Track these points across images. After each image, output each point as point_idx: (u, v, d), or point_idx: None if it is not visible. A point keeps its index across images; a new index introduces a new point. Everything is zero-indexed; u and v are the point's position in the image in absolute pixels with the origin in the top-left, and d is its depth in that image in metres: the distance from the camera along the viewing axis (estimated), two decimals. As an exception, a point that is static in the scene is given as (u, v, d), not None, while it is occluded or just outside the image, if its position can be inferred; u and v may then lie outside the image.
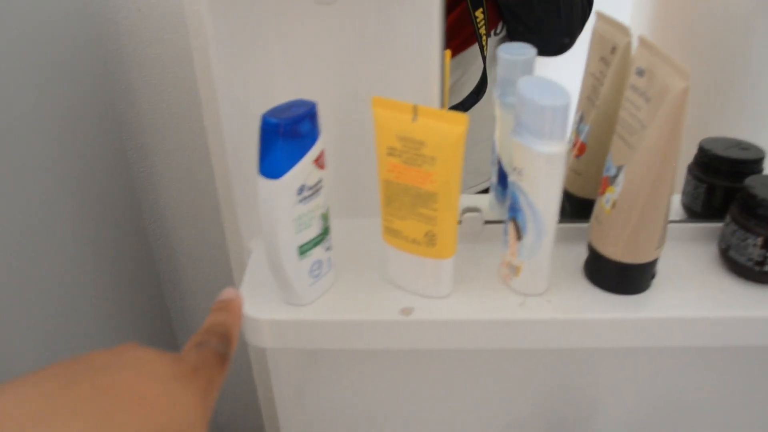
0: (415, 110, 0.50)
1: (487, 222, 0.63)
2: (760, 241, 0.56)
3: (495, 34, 0.75)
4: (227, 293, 0.52)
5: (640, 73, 0.52)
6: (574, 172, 0.64)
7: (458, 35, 0.72)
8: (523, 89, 0.50)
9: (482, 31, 0.71)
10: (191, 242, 0.93)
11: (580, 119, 0.64)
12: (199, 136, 0.82)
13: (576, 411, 0.78)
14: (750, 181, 0.58)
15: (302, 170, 0.52)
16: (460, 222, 0.63)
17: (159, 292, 0.98)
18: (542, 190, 0.51)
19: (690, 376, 0.74)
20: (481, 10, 0.69)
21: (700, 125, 0.76)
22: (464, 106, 0.74)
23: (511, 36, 0.75)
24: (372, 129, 0.52)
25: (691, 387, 0.75)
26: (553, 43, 0.72)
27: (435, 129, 0.49)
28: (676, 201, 0.68)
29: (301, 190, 0.52)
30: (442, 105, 0.60)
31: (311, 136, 0.52)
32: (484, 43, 0.71)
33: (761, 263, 0.57)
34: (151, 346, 0.38)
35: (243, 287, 0.60)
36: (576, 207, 0.65)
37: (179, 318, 1.02)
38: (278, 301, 0.58)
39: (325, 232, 0.57)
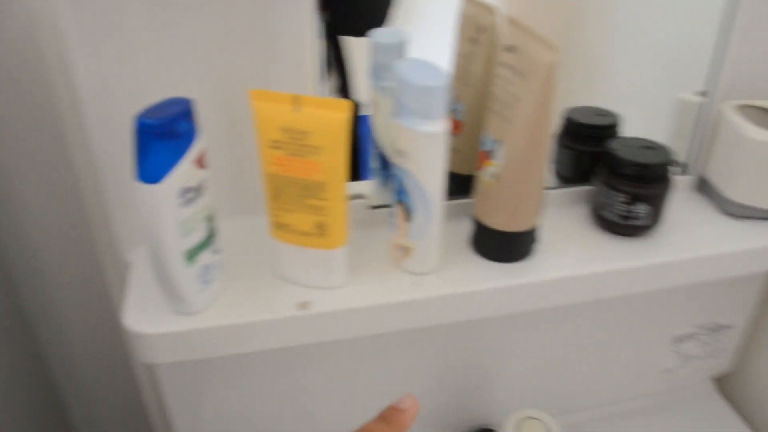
0: (296, 100, 0.49)
1: (373, 207, 0.64)
2: (625, 197, 0.60)
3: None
4: (404, 401, 0.45)
5: (510, 49, 0.54)
6: (452, 150, 0.66)
7: None
8: (402, 72, 0.50)
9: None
10: (58, 264, 0.87)
11: (455, 99, 0.65)
12: (58, 143, 0.76)
13: (476, 378, 0.81)
14: (612, 144, 0.63)
15: (183, 172, 0.49)
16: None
17: (27, 324, 0.91)
18: (428, 170, 0.52)
19: (578, 330, 0.79)
20: None
21: (560, 95, 0.80)
22: None
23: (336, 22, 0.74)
24: (253, 123, 0.51)
25: (580, 339, 0.80)
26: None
27: (318, 117, 0.48)
28: (549, 169, 0.72)
29: (183, 192, 0.50)
30: (324, 94, 0.59)
31: (189, 136, 0.50)
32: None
33: (627, 217, 0.61)
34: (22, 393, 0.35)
35: (126, 302, 0.57)
36: (458, 184, 0.66)
37: (51, 342, 0.95)
38: (168, 312, 0.55)
39: (211, 234, 0.55)
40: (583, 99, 0.73)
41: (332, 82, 0.74)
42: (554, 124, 0.53)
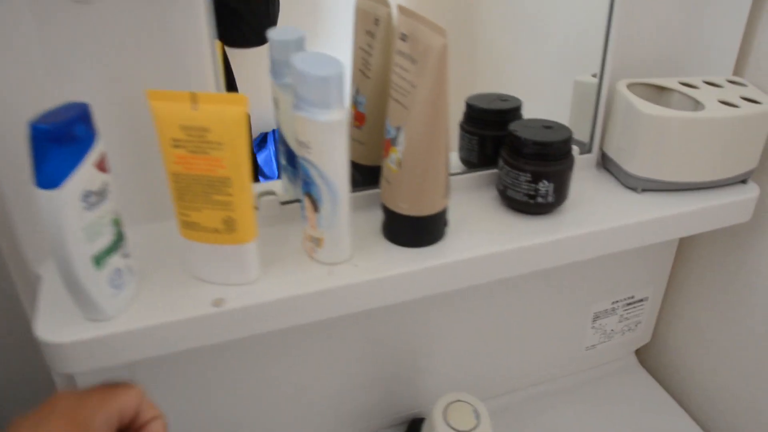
0: (193, 97, 0.49)
1: (284, 203, 0.64)
2: (529, 176, 0.63)
3: None
4: None
5: (404, 38, 0.55)
6: (357, 143, 0.67)
7: None
8: (298, 65, 0.51)
9: None
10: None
11: (356, 92, 0.66)
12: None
13: (403, 366, 0.82)
14: (513, 126, 0.65)
15: (83, 175, 0.49)
16: (257, 207, 0.63)
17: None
18: (331, 158, 0.53)
19: (499, 312, 0.81)
20: None
21: (465, 86, 0.83)
22: None
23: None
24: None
25: (501, 321, 0.82)
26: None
27: (217, 113, 0.49)
28: (455, 157, 0.74)
29: (85, 196, 0.50)
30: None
31: (88, 139, 0.50)
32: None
33: (533, 196, 0.64)
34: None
35: (37, 312, 0.56)
36: (366, 175, 0.68)
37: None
38: (81, 320, 0.55)
39: (119, 238, 0.54)
40: (486, 87, 0.75)
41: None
42: (451, 107, 0.54)
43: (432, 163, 0.56)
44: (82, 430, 0.42)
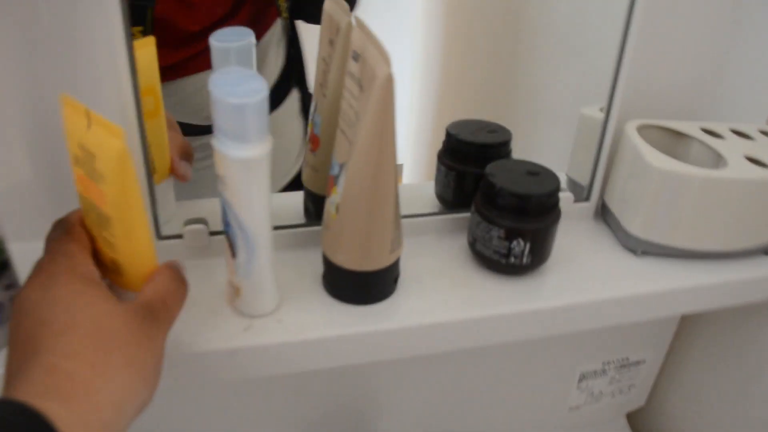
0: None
1: (214, 233, 0.55)
2: (503, 232, 0.52)
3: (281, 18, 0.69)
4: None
5: (356, 57, 0.45)
6: (312, 169, 0.57)
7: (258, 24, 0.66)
8: (213, 85, 0.41)
9: (285, 15, 0.63)
10: None
11: (314, 109, 0.56)
12: None
13: (358, 425, 0.73)
14: (490, 168, 0.54)
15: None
16: (181, 236, 0.54)
17: None
18: (247, 202, 0.43)
19: (467, 370, 0.71)
20: None
21: (454, 108, 0.73)
22: (276, 98, 0.67)
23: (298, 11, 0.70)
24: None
25: (472, 380, 0.72)
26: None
27: (101, 142, 0.39)
28: (431, 190, 0.64)
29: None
30: (137, 97, 0.50)
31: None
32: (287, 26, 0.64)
33: (506, 255, 0.53)
34: None
35: None
36: (319, 206, 0.58)
37: None
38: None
39: (0, 267, 0.46)
40: (478, 111, 0.65)
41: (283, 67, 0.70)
42: (395, 147, 0.44)
43: (375, 214, 0.46)
44: (96, 288, 0.39)
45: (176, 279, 0.43)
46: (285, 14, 0.66)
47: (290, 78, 0.70)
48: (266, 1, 0.65)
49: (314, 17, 0.64)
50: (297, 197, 0.61)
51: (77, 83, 0.49)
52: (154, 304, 0.40)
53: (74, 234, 0.42)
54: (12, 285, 0.47)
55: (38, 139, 0.51)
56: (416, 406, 0.73)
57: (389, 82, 0.40)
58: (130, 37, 0.47)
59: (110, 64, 0.48)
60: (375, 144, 0.43)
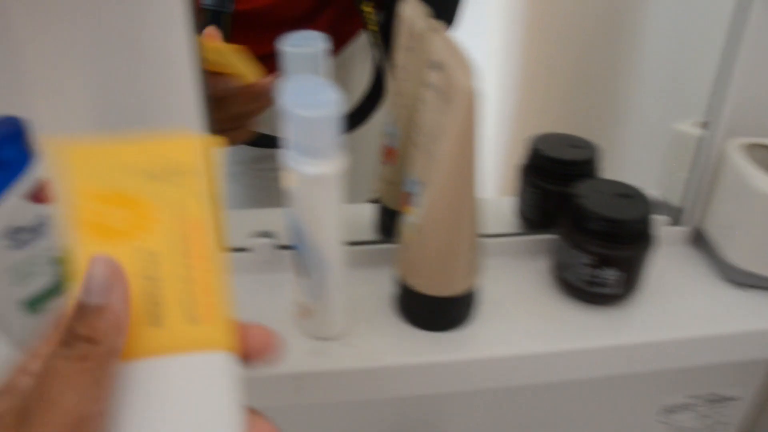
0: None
1: (282, 247, 0.52)
2: (591, 259, 0.48)
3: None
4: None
5: (436, 66, 0.42)
6: (386, 183, 0.54)
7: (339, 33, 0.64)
8: (285, 95, 0.38)
9: (374, 28, 0.62)
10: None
11: (391, 121, 0.53)
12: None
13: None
14: (579, 189, 0.50)
15: (8, 209, 0.39)
16: (249, 250, 0.52)
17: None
18: (318, 219, 0.41)
19: (542, 402, 0.66)
20: (370, 4, 0.60)
21: (548, 120, 0.69)
22: (363, 113, 0.65)
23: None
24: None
25: (547, 413, 0.67)
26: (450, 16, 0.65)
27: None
28: (506, 205, 0.60)
29: (11, 233, 0.40)
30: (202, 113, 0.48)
31: (17, 165, 0.40)
32: (376, 39, 0.62)
33: (593, 284, 0.49)
34: None
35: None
36: (394, 221, 0.55)
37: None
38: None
39: (64, 279, 0.44)
40: (562, 124, 0.61)
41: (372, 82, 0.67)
42: (476, 165, 0.40)
43: (456, 237, 0.43)
44: None
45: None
46: (373, 26, 0.63)
47: (379, 94, 0.67)
48: (348, 10, 0.62)
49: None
50: (365, 209, 0.58)
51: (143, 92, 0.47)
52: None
53: None
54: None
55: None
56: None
57: (472, 96, 0.37)
58: (196, 45, 0.45)
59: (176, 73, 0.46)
60: (456, 161, 0.40)
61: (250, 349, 0.30)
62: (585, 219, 0.48)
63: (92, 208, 0.30)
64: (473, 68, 0.36)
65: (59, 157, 0.30)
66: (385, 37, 0.68)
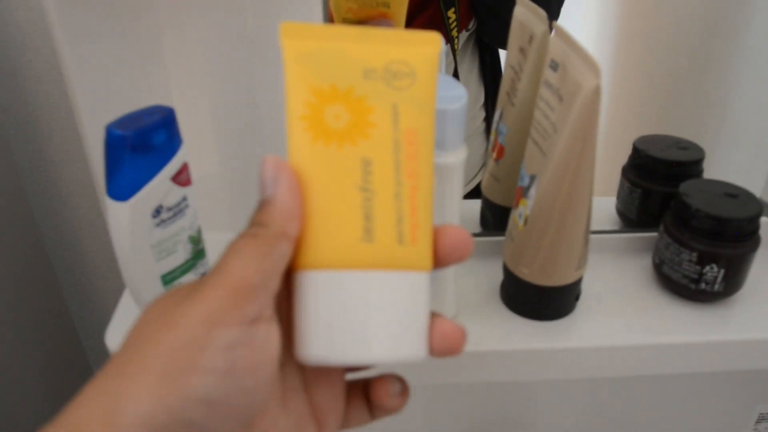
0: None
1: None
2: (695, 256, 0.49)
3: (466, 30, 0.69)
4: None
5: (554, 67, 0.44)
6: (493, 178, 0.57)
7: None
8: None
9: (454, 33, 0.65)
10: (89, 251, 0.85)
11: (500, 117, 0.56)
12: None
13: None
14: (684, 187, 0.51)
15: (157, 189, 0.44)
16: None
17: (59, 297, 0.90)
18: (438, 208, 0.44)
19: (625, 404, 0.67)
20: (453, 9, 0.63)
21: (645, 121, 0.70)
22: None
23: (483, 31, 0.69)
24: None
25: (627, 415, 0.68)
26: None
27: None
28: (611, 205, 0.61)
29: (157, 212, 0.44)
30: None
31: (168, 149, 0.44)
32: (456, 46, 0.65)
33: (697, 281, 0.50)
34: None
35: (112, 320, 0.52)
36: (499, 217, 0.57)
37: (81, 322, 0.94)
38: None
39: (197, 256, 0.49)
40: (668, 127, 0.62)
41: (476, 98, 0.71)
42: (594, 161, 0.43)
43: (565, 229, 0.45)
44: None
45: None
46: (454, 33, 0.66)
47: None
48: (437, 17, 0.65)
49: (498, 41, 0.64)
50: (473, 205, 0.61)
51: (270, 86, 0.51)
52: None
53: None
54: (205, 273, 0.50)
55: (226, 134, 0.54)
56: (571, 429, 0.71)
57: (596, 94, 0.39)
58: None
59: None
60: (573, 157, 0.42)
61: (448, 248, 0.30)
62: (690, 216, 0.49)
63: (313, 103, 0.30)
64: (597, 67, 0.39)
65: (289, 49, 0.30)
66: (478, 43, 0.70)
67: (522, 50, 0.53)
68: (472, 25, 0.69)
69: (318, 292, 0.28)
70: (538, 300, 0.49)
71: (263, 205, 0.29)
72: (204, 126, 0.54)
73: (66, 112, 0.76)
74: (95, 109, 0.50)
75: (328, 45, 0.30)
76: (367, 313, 0.28)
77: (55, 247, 0.86)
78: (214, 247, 0.48)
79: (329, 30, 0.30)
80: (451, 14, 0.65)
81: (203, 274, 0.42)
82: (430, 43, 0.31)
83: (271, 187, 0.28)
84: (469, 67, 0.71)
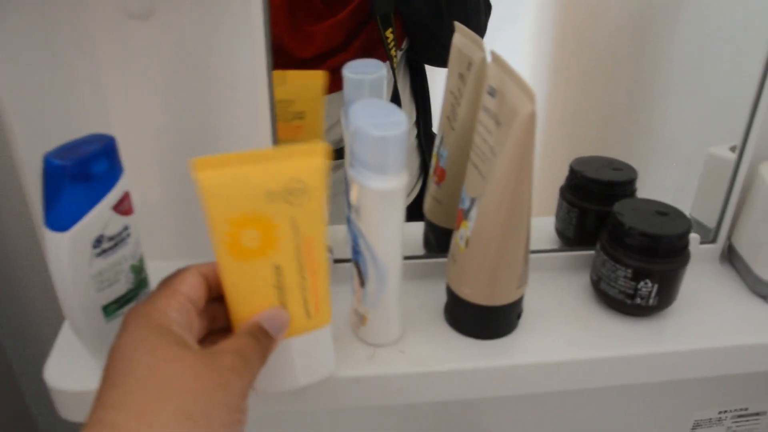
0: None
1: (338, 261, 0.56)
2: (630, 272, 0.51)
3: (399, 50, 0.70)
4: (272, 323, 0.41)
5: (492, 93, 0.46)
6: (435, 201, 0.58)
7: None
8: (354, 116, 0.43)
9: (393, 52, 0.66)
10: (25, 283, 0.83)
11: (441, 142, 0.57)
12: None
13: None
14: (618, 206, 0.53)
15: (98, 219, 0.43)
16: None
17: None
18: (381, 232, 0.44)
19: (568, 417, 0.69)
20: (390, 29, 0.64)
21: (575, 143, 0.72)
22: None
23: (416, 50, 0.70)
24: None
25: (571, 427, 0.70)
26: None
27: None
28: (550, 225, 0.63)
29: (98, 242, 0.44)
30: (274, 126, 0.52)
31: (109, 178, 0.44)
32: (394, 64, 0.66)
33: (632, 296, 0.52)
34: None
35: (51, 357, 0.51)
36: (440, 239, 0.58)
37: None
38: (89, 367, 0.49)
39: (139, 285, 0.48)
40: (600, 148, 0.64)
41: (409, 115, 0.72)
42: (531, 184, 0.44)
43: (505, 249, 0.46)
44: (165, 335, 0.36)
45: (258, 333, 0.39)
46: (393, 52, 0.67)
47: None
48: (374, 41, 0.66)
49: (435, 60, 0.66)
50: (416, 228, 0.62)
51: (213, 109, 0.52)
52: (227, 354, 0.36)
53: (170, 284, 0.40)
54: (150, 302, 0.50)
55: (169, 160, 0.54)
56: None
57: (532, 119, 0.41)
58: (272, 66, 0.50)
59: (251, 94, 0.50)
60: (512, 180, 0.43)
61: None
62: (624, 234, 0.51)
63: (230, 232, 0.38)
64: (532, 93, 0.40)
65: (202, 186, 0.37)
66: (409, 62, 0.72)
67: (461, 76, 0.54)
68: (405, 44, 0.71)
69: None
70: (481, 319, 0.51)
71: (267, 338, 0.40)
72: (146, 152, 0.53)
73: (1, 140, 0.74)
74: (32, 137, 0.49)
75: (234, 171, 0.37)
76: (292, 360, 0.43)
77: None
78: (158, 275, 0.48)
79: (233, 157, 0.37)
80: (389, 34, 0.66)
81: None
82: (316, 154, 0.38)
83: (279, 333, 0.41)
84: (403, 85, 0.72)
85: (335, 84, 0.54)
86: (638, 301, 0.52)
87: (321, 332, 0.43)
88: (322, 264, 0.41)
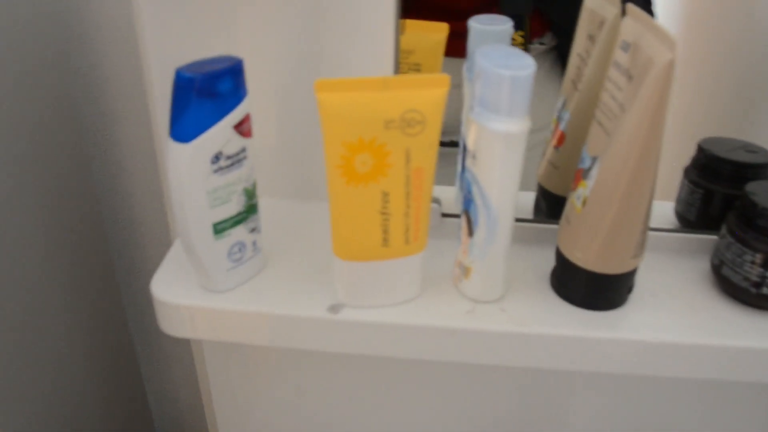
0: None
1: (445, 215, 0.55)
2: (759, 258, 0.48)
3: (540, 44, 0.68)
4: None
5: (625, 47, 0.44)
6: (551, 166, 0.56)
7: None
8: (481, 57, 0.41)
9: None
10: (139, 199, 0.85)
11: (563, 105, 0.55)
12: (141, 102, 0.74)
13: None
14: (752, 186, 0.50)
15: (218, 135, 0.44)
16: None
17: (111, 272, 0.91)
18: (497, 177, 0.43)
19: (668, 408, 0.65)
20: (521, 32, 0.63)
21: (704, 123, 0.68)
22: None
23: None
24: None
25: (668, 419, 0.66)
26: None
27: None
28: (669, 209, 0.60)
29: (216, 158, 0.45)
30: (396, 70, 0.52)
31: (233, 97, 0.45)
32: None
33: (759, 284, 0.48)
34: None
35: (160, 268, 0.53)
36: (552, 206, 0.56)
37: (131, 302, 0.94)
38: (195, 286, 0.50)
39: (249, 210, 0.49)
40: (733, 130, 0.60)
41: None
42: (662, 143, 0.41)
43: (626, 212, 0.44)
44: None
45: None
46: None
47: None
48: None
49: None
50: (526, 196, 0.60)
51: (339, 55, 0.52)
52: None
53: None
54: (255, 229, 0.50)
55: (284, 111, 0.55)
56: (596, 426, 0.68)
57: (670, 68, 0.38)
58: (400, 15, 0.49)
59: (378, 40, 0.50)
60: (641, 135, 0.41)
61: None
62: (757, 216, 0.47)
63: (345, 155, 0.40)
64: (673, 41, 0.38)
65: (322, 107, 0.39)
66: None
67: (591, 37, 0.52)
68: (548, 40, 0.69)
69: (354, 272, 0.47)
70: (591, 287, 0.48)
71: None
72: (268, 82, 0.54)
73: (133, 53, 0.76)
74: (164, 55, 0.51)
75: (355, 96, 0.39)
76: (381, 280, 0.47)
77: (107, 192, 0.85)
78: (264, 211, 0.49)
79: (356, 82, 0.39)
80: (515, 36, 0.65)
81: (253, 230, 0.49)
82: (437, 85, 0.40)
83: None
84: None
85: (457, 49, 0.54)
86: (765, 290, 0.48)
87: (415, 258, 0.47)
88: (428, 195, 0.44)
